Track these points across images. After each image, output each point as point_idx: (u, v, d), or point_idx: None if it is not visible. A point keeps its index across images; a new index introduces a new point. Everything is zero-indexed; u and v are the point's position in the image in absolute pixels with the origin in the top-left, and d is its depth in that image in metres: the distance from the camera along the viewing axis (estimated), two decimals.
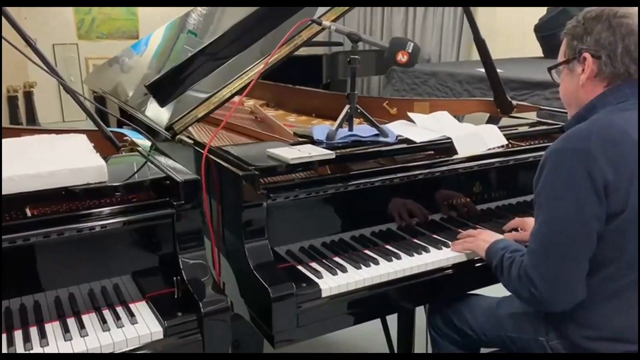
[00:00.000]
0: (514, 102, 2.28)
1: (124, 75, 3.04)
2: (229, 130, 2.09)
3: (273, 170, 1.43)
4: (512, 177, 1.80)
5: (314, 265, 1.45)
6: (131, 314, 1.21)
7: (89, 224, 1.18)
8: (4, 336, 1.13)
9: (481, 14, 5.90)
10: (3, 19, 1.43)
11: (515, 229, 1.66)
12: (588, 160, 1.16)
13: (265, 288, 1.27)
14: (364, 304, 1.40)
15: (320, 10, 1.85)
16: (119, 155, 1.52)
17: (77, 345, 1.12)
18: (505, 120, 2.14)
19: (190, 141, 1.75)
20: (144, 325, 1.18)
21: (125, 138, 1.69)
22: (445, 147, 1.71)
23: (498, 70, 2.24)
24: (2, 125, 1.77)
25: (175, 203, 1.26)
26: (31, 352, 1.09)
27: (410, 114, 1.91)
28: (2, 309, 1.15)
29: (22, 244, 1.13)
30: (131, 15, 6.94)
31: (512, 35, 5.17)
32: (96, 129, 1.59)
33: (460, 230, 1.64)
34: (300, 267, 1.43)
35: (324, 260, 1.47)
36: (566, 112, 2.18)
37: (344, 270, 1.42)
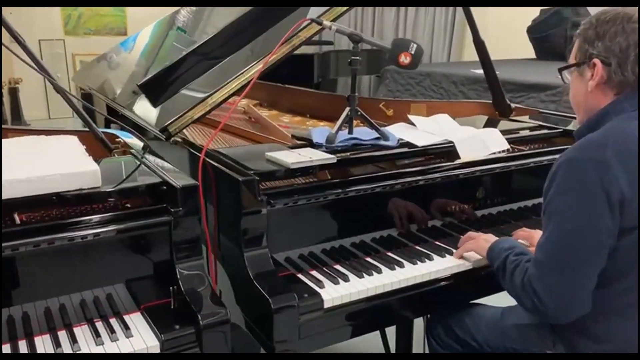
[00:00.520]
0: (513, 105, 2.26)
1: (112, 73, 2.97)
2: (223, 131, 2.04)
3: (273, 175, 1.38)
4: (516, 181, 1.76)
5: (315, 273, 1.40)
6: (126, 327, 1.15)
7: (81, 233, 1.12)
8: None
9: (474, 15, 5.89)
10: None
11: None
12: (603, 171, 1.11)
13: (266, 299, 1.22)
14: (367, 315, 1.36)
15: (314, 10, 1.81)
16: (111, 158, 1.46)
17: None
18: (505, 124, 2.11)
19: (185, 142, 1.70)
20: (140, 339, 1.13)
21: (117, 139, 1.63)
22: (447, 151, 1.67)
23: None
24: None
25: (172, 210, 1.20)
26: None
27: (410, 117, 1.87)
28: None
29: (10, 253, 1.07)
30: (119, 12, 6.83)
31: (503, 36, 5.16)
32: (87, 129, 1.53)
33: (462, 236, 1.61)
34: (300, 276, 1.39)
35: (324, 268, 1.42)
36: (565, 116, 2.20)
37: (346, 279, 1.37)
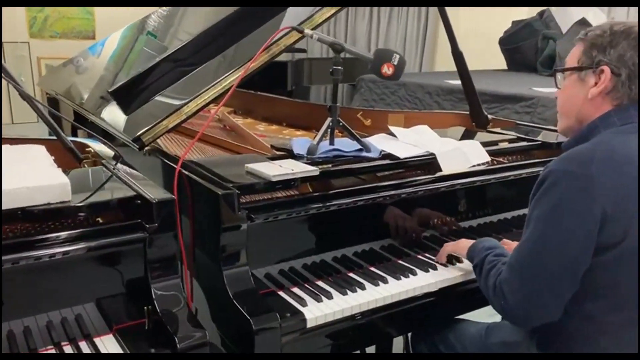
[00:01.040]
0: (490, 116, 2.25)
1: (79, 77, 2.87)
2: (198, 140, 1.97)
3: (253, 188, 1.32)
4: (497, 194, 1.75)
5: (297, 290, 1.35)
6: (96, 350, 1.08)
7: (49, 251, 1.05)
8: None
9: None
10: None
11: None
12: (587, 185, 1.10)
13: (247, 319, 1.17)
14: (350, 334, 1.31)
15: (292, 13, 1.77)
16: (81, 169, 1.39)
17: None
18: (484, 135, 2.10)
19: (158, 152, 1.63)
20: None
21: (87, 149, 1.55)
22: (428, 163, 1.64)
23: None
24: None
25: (147, 225, 1.13)
26: None
27: (391, 128, 1.84)
28: None
29: None
30: (87, 15, 6.65)
31: (475, 47, 5.22)
32: (54, 137, 1.45)
33: None
34: (281, 293, 1.33)
35: (306, 285, 1.37)
36: (543, 128, 2.21)
37: (329, 296, 1.32)
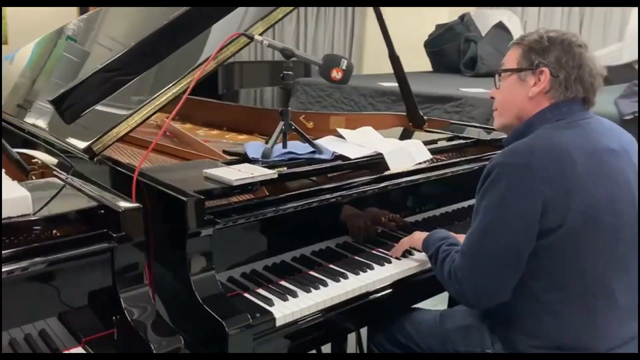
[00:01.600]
0: (425, 117, 2.37)
1: None
2: (141, 148, 1.95)
3: (216, 194, 1.34)
4: (440, 189, 1.85)
5: (262, 291, 1.38)
6: None
7: (7, 268, 1.01)
8: None
9: (371, 28, 6.14)
10: None
11: None
12: (529, 175, 1.23)
13: (219, 322, 1.18)
14: (317, 330, 1.35)
15: (237, 15, 1.79)
16: (33, 182, 1.34)
17: None
18: (422, 134, 2.21)
19: (109, 160, 1.60)
20: None
21: (34, 160, 1.50)
22: (377, 163, 1.72)
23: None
24: None
25: (114, 235, 1.12)
26: None
27: (339, 130, 1.90)
28: None
29: None
30: None
31: (401, 50, 5.42)
32: None
33: (396, 244, 1.65)
34: (247, 295, 1.36)
35: (270, 286, 1.41)
36: (473, 126, 2.35)
37: (294, 294, 1.36)
